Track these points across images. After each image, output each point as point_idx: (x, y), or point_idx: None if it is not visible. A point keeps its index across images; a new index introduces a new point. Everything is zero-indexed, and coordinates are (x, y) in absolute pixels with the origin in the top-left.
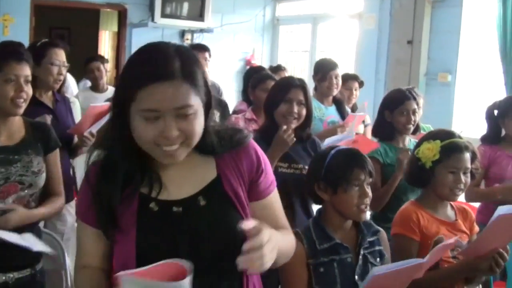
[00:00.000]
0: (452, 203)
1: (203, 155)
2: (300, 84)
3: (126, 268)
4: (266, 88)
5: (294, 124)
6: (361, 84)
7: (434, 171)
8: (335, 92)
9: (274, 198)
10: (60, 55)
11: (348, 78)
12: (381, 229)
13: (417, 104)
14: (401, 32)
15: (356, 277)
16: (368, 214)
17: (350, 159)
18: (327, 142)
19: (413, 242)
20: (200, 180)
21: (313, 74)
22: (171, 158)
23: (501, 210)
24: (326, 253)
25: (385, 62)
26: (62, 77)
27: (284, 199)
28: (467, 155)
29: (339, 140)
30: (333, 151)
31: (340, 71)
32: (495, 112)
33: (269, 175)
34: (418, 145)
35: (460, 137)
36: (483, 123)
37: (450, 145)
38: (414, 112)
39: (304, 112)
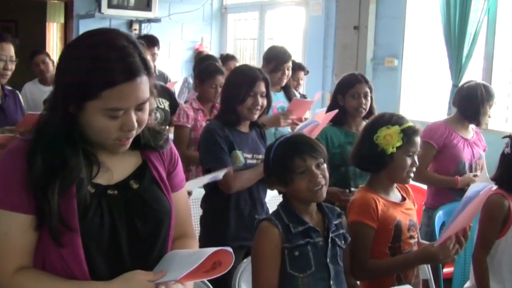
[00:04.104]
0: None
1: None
2: (263, 77)
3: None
4: (215, 84)
5: (256, 115)
6: (306, 72)
7: (393, 156)
8: (285, 82)
9: (185, 193)
10: (7, 50)
11: (296, 68)
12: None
13: (370, 88)
14: (348, 18)
15: (328, 259)
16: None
17: (289, 149)
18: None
19: (370, 230)
20: (127, 166)
21: (265, 63)
22: (124, 147)
23: (475, 187)
24: (301, 236)
25: (332, 48)
26: (8, 72)
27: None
28: (419, 138)
29: (305, 126)
30: (276, 143)
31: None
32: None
33: (181, 170)
34: (373, 131)
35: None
36: (429, 107)
37: (409, 130)
38: (365, 96)
39: (265, 102)
